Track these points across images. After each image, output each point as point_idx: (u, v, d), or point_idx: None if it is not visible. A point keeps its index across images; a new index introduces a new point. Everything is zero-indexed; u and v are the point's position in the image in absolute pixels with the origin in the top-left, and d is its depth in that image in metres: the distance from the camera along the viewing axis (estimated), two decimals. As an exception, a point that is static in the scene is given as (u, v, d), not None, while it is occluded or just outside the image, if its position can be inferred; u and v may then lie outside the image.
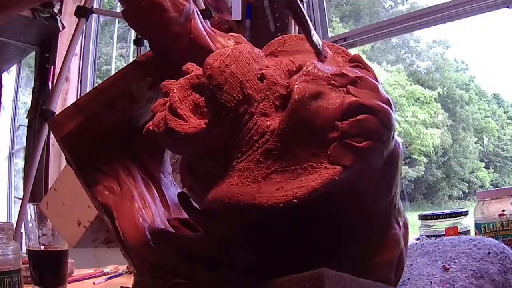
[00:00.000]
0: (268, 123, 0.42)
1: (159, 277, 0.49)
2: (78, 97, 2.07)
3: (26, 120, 3.01)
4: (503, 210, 0.78)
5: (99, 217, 0.70)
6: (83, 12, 1.95)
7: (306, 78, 0.42)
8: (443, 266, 0.53)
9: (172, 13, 0.52)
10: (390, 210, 0.45)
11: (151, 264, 0.50)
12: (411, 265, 0.56)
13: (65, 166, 0.77)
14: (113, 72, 2.01)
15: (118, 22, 3.36)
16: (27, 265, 0.85)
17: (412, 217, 0.67)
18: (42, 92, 2.78)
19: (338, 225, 0.43)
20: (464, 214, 0.85)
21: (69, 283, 0.93)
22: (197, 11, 0.55)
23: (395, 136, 0.43)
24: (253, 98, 0.42)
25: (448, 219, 0.84)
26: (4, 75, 3.46)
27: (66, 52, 1.96)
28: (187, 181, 0.48)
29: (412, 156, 4.15)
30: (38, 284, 0.84)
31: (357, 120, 0.40)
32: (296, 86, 0.42)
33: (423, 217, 0.87)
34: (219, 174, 0.43)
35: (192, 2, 0.55)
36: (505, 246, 0.56)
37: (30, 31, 2.74)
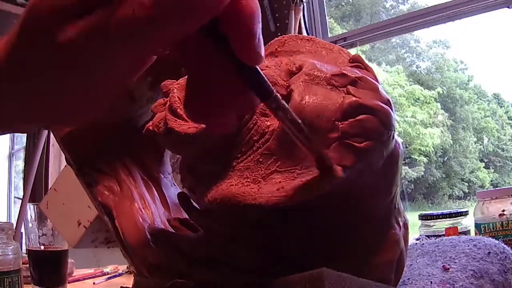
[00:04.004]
0: (268, 123, 0.42)
1: (159, 277, 0.49)
2: (78, 97, 2.06)
3: (26, 120, 3.01)
4: (503, 210, 0.79)
5: (99, 217, 0.70)
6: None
7: (306, 78, 0.42)
8: (443, 266, 0.53)
9: (172, 13, 0.52)
10: (390, 210, 0.45)
11: (151, 264, 0.50)
12: (411, 265, 0.56)
13: (65, 166, 0.77)
14: (113, 72, 2.01)
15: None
16: (27, 265, 0.85)
17: (412, 217, 0.67)
18: (42, 92, 2.77)
19: (338, 225, 0.43)
20: (464, 214, 0.85)
21: (69, 283, 0.93)
22: (197, 11, 0.55)
23: (395, 136, 0.43)
24: (253, 98, 0.42)
25: (448, 219, 0.84)
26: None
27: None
28: (187, 181, 0.48)
29: (412, 156, 4.15)
30: (38, 284, 0.84)
31: (357, 120, 0.40)
32: (296, 86, 0.42)
33: (423, 217, 0.87)
34: (219, 174, 0.43)
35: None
36: (505, 246, 0.56)
37: (30, 31, 2.74)
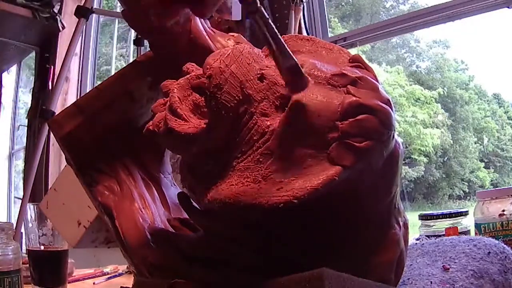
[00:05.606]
0: (268, 123, 0.42)
1: (159, 277, 0.49)
2: (78, 97, 2.08)
3: (26, 120, 3.01)
4: (503, 210, 0.78)
5: (99, 217, 0.70)
6: (83, 12, 1.95)
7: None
8: (443, 266, 0.53)
9: (172, 13, 0.52)
10: (390, 210, 0.45)
11: (151, 264, 0.50)
12: (411, 265, 0.56)
13: (65, 166, 0.77)
14: (113, 72, 2.01)
15: (118, 22, 3.36)
16: (27, 265, 0.85)
17: (412, 217, 0.67)
18: (42, 92, 2.78)
19: (338, 225, 0.43)
20: (464, 214, 0.85)
21: (69, 283, 0.93)
22: (197, 11, 0.55)
23: (395, 136, 0.43)
24: (253, 98, 0.42)
25: (448, 219, 0.84)
26: (4, 75, 3.46)
27: (66, 52, 1.96)
28: (187, 181, 0.48)
29: (412, 156, 4.15)
30: (38, 284, 0.84)
31: (357, 120, 0.40)
32: (296, 86, 0.42)
33: (423, 217, 0.87)
34: (219, 174, 0.43)
35: (192, 2, 0.55)
36: (505, 246, 0.56)
37: (30, 31, 2.74)
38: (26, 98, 3.53)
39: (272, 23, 0.38)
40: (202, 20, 0.56)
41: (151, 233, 0.51)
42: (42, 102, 2.63)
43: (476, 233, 0.82)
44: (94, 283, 1.03)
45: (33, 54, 3.05)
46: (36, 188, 2.24)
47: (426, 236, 0.82)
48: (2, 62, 3.26)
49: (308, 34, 2.16)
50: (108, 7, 3.60)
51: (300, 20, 2.09)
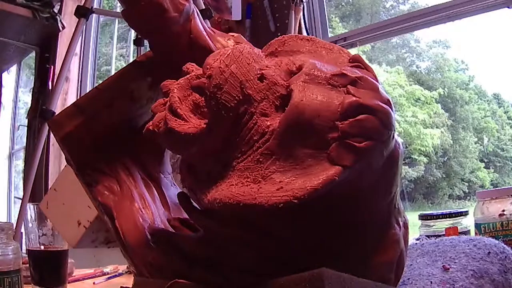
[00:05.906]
0: (268, 123, 0.42)
1: (159, 277, 0.49)
2: (78, 97, 2.07)
3: (26, 120, 3.01)
4: (503, 210, 0.78)
5: (99, 217, 0.70)
6: (83, 12, 1.95)
7: (306, 78, 0.42)
8: (443, 266, 0.53)
9: (172, 13, 0.52)
10: (390, 210, 0.45)
11: (151, 264, 0.50)
12: (411, 265, 0.56)
13: (65, 166, 0.77)
14: (113, 72, 2.01)
15: (118, 22, 3.36)
16: (27, 265, 0.85)
17: (412, 217, 0.67)
18: (42, 92, 2.78)
19: (338, 225, 0.43)
20: (464, 214, 0.85)
21: (69, 283, 0.93)
22: (197, 11, 0.55)
23: (395, 136, 0.43)
24: (253, 98, 0.42)
25: (448, 219, 0.84)
26: (4, 75, 3.46)
27: (66, 52, 1.96)
28: (187, 181, 0.48)
29: (412, 156, 4.14)
30: (38, 284, 0.84)
31: (357, 120, 0.40)
32: (296, 86, 0.42)
33: (423, 217, 0.87)
34: (219, 174, 0.43)
35: (192, 2, 0.55)
36: (505, 246, 0.56)
37: (30, 31, 2.74)
38: (26, 98, 3.53)
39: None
40: (202, 20, 0.56)
41: (151, 233, 0.51)
42: (42, 102, 2.63)
43: (476, 233, 0.82)
44: (94, 283, 1.03)
45: (33, 54, 3.06)
46: (36, 188, 2.24)
47: (426, 236, 0.82)
48: (2, 62, 3.27)
49: (308, 34, 2.16)
50: (108, 7, 3.60)
51: (300, 20, 2.09)
